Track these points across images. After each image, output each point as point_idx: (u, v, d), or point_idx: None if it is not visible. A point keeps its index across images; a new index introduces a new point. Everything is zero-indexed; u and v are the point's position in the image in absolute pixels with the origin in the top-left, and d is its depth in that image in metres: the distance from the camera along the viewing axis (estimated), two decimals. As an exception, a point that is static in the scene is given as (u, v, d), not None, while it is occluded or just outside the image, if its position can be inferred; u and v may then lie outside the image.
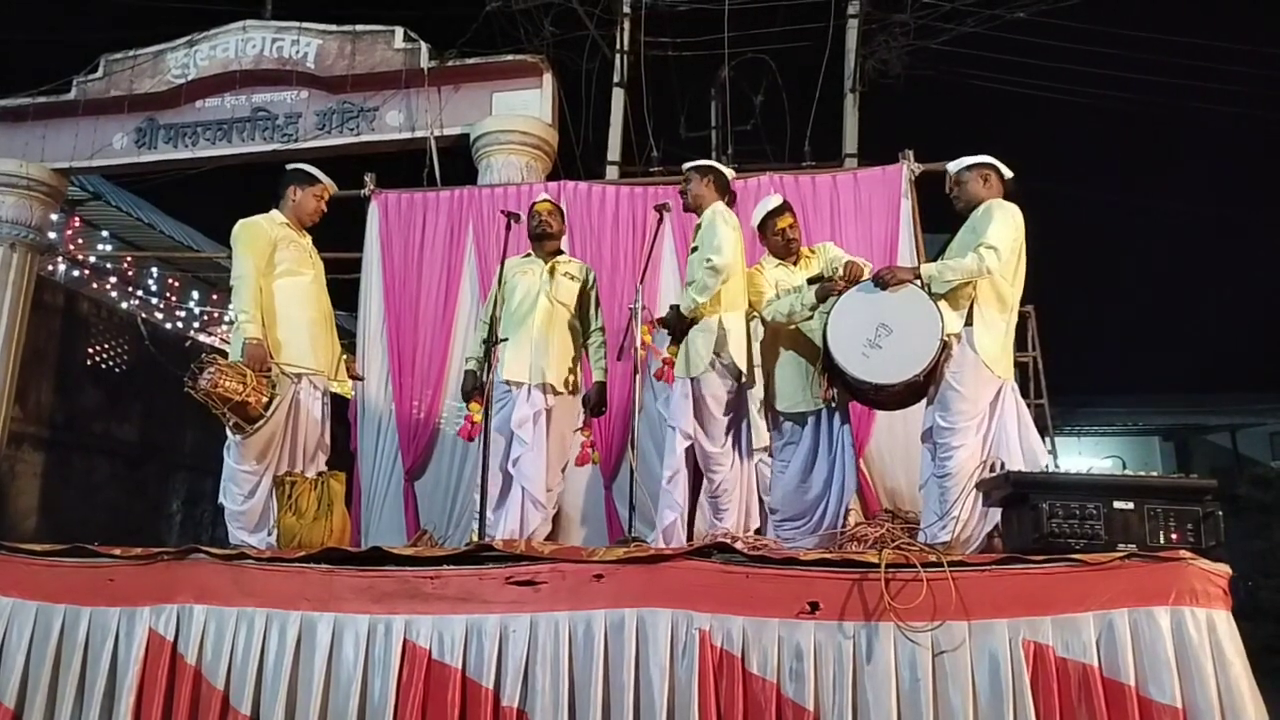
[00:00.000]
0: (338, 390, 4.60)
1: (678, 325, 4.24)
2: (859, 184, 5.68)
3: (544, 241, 4.65)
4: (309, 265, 4.45)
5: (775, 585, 2.93)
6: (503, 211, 4.66)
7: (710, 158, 4.78)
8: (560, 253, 4.72)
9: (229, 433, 4.15)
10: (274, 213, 4.44)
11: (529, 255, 4.66)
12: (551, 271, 4.58)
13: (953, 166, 4.09)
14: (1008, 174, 4.02)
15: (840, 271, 4.19)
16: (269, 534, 4.11)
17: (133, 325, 9.93)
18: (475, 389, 4.46)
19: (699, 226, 4.38)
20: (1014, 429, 3.81)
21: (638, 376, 4.28)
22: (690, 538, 4.17)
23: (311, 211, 4.51)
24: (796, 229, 4.66)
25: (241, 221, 4.33)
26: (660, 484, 4.24)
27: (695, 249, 4.33)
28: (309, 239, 4.53)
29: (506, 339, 4.33)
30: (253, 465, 4.15)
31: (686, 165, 4.56)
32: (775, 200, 4.68)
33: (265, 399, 4.05)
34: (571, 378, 4.54)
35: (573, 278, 4.63)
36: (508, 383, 4.40)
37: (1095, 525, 2.93)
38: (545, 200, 4.82)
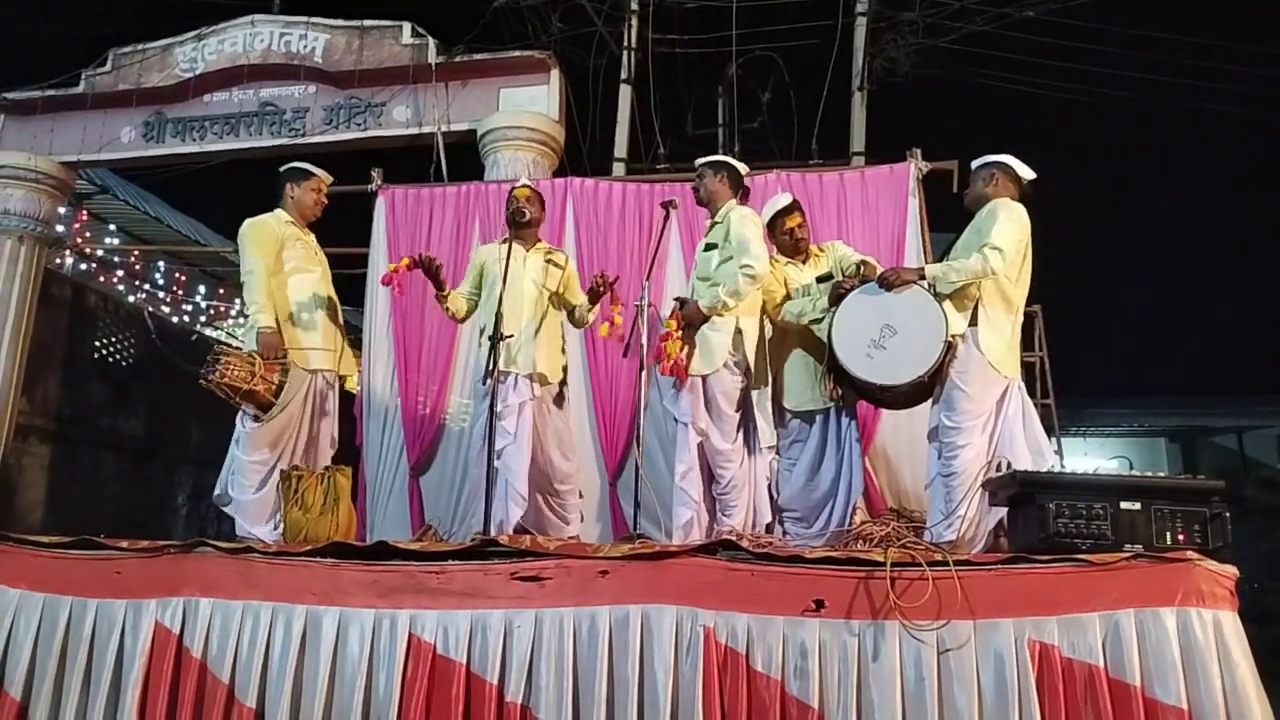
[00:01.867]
0: (344, 386, 4.62)
1: (693, 321, 4.23)
2: (866, 182, 5.66)
3: (525, 229, 4.51)
4: (315, 262, 4.49)
5: (780, 583, 2.93)
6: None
7: (718, 155, 4.76)
8: (538, 239, 4.64)
9: (241, 424, 4.18)
10: (279, 211, 4.47)
11: (505, 241, 4.47)
12: (537, 259, 4.50)
13: (974, 163, 4.07)
14: (1026, 175, 3.96)
15: (855, 272, 4.19)
16: (275, 528, 4.13)
17: (139, 319, 9.95)
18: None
19: (714, 223, 4.37)
20: (1020, 428, 3.79)
21: (643, 374, 4.27)
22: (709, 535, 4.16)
23: (312, 205, 4.53)
24: (805, 228, 4.66)
25: (248, 221, 4.36)
26: (674, 481, 4.24)
27: (712, 246, 4.32)
28: (313, 237, 4.57)
29: (512, 335, 4.24)
30: (264, 455, 4.17)
31: (700, 161, 4.54)
32: (785, 199, 4.67)
33: (274, 387, 4.08)
34: (560, 366, 4.51)
35: (558, 265, 4.57)
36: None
37: (1102, 525, 2.93)
38: (525, 186, 4.65)
